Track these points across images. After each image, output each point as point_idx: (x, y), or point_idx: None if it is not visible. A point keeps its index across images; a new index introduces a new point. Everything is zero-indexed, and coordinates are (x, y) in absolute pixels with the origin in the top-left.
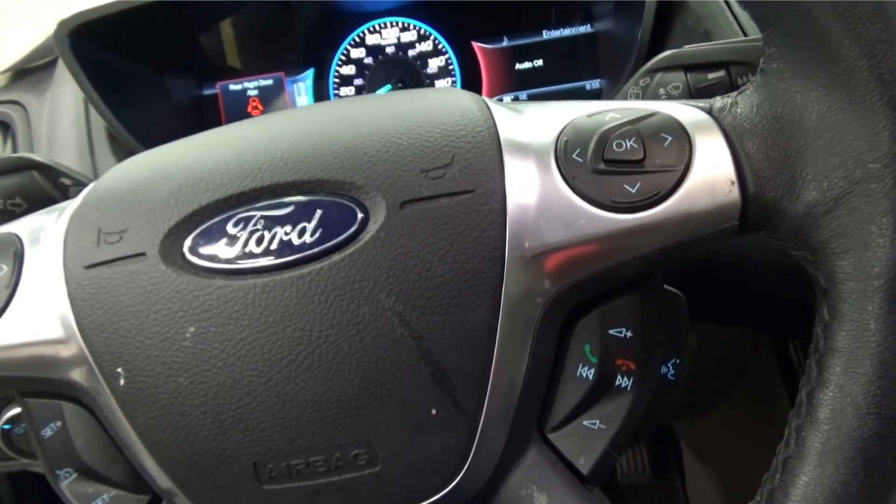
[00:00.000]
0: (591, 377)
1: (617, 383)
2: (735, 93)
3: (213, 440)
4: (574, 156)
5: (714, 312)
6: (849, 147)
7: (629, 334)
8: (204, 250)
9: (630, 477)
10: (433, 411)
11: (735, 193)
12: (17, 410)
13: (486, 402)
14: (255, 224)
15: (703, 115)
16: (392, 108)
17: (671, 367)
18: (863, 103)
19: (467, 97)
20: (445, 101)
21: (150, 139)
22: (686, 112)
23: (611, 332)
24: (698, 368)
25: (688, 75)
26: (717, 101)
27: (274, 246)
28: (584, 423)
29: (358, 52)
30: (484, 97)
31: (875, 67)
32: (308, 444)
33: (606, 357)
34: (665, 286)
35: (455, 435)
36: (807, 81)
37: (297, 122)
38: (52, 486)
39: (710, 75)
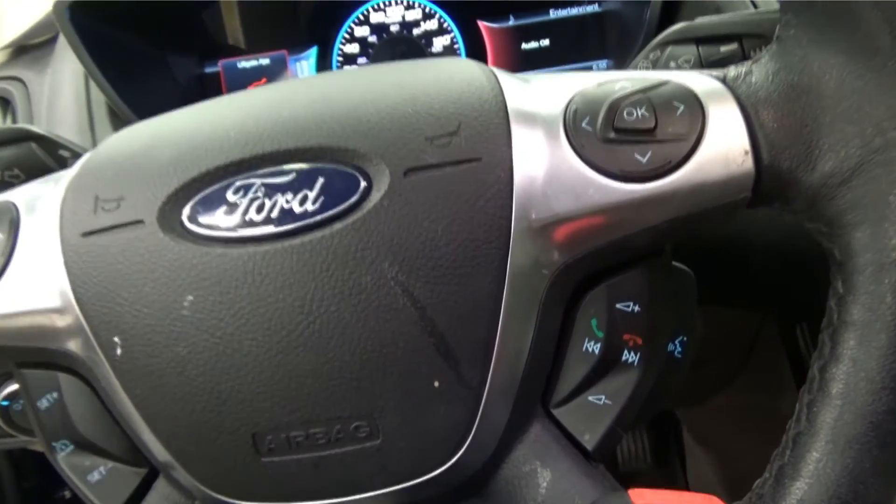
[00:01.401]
0: (597, 352)
1: (623, 358)
2: (750, 61)
3: (211, 411)
4: (583, 125)
5: (722, 294)
6: (867, 115)
7: (637, 308)
8: (203, 218)
9: (631, 464)
10: (436, 384)
11: (749, 164)
12: (14, 387)
13: (490, 375)
14: (255, 192)
15: (717, 84)
16: (397, 76)
17: (678, 345)
18: (884, 69)
19: (474, 66)
20: (452, 69)
21: (151, 116)
22: (699, 81)
23: (618, 305)
24: (701, 355)
25: (699, 48)
26: (732, 70)
27: (275, 214)
28: (590, 398)
29: (362, 31)
30: (491, 67)
31: None
32: (308, 415)
33: (613, 331)
34: (674, 262)
35: (458, 408)
36: (825, 48)
37: (299, 90)
38: (49, 458)
39: (723, 48)
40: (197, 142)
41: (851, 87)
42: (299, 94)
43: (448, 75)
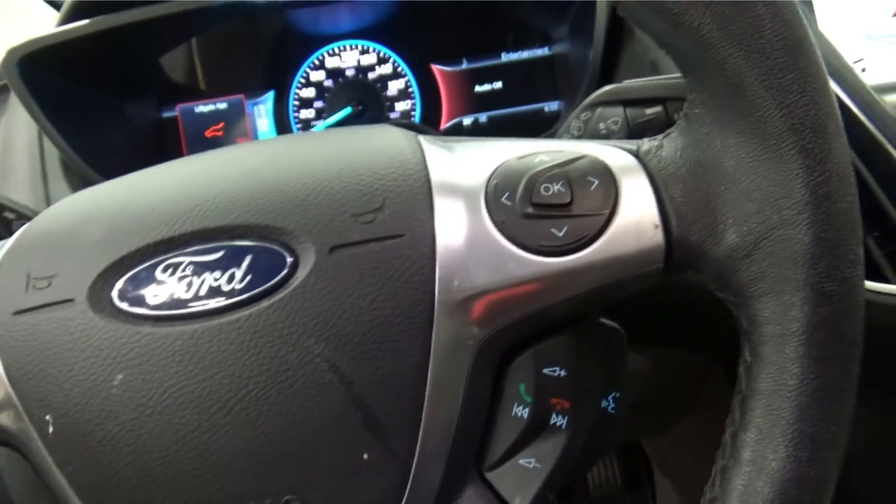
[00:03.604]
0: (525, 416)
1: (552, 422)
2: (661, 136)
3: (143, 488)
4: (503, 199)
5: (665, 339)
6: (765, 193)
7: (563, 373)
8: (132, 296)
9: (602, 489)
10: (365, 456)
11: (659, 237)
12: None
13: (419, 445)
14: (184, 270)
15: (630, 159)
16: (326, 149)
17: (611, 401)
18: (777, 151)
19: (400, 137)
20: (379, 140)
21: (106, 165)
22: (614, 155)
23: (545, 371)
24: (657, 387)
25: (626, 110)
26: (645, 144)
27: (203, 292)
28: (521, 461)
29: (318, 75)
30: (418, 135)
31: (787, 117)
32: (238, 491)
33: (541, 396)
34: (602, 320)
35: (388, 478)
36: (726, 128)
37: (231, 163)
38: None
39: (648, 111)
40: (127, 218)
41: (749, 166)
42: (231, 168)
43: (376, 147)
